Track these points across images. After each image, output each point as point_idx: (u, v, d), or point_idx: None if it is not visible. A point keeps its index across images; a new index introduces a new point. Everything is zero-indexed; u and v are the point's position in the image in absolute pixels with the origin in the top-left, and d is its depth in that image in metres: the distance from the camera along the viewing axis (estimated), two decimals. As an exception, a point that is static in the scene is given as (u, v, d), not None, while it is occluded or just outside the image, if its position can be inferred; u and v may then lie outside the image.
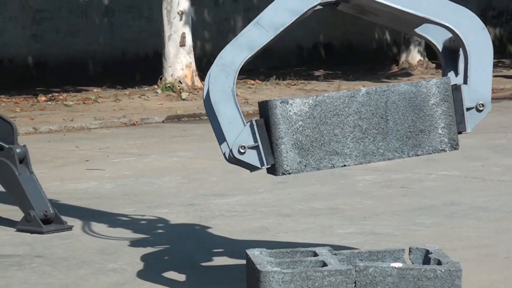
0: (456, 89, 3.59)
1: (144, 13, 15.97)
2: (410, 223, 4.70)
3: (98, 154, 7.89)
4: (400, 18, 4.03)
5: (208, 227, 4.73)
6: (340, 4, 3.87)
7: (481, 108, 3.59)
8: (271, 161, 3.65)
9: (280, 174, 3.63)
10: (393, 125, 3.65)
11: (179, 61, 12.64)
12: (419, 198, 5.39)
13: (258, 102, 3.91)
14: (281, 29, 3.71)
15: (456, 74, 4.03)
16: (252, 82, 13.81)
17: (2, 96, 12.41)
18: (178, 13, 12.49)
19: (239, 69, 3.70)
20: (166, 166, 7.03)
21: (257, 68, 14.95)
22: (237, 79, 3.77)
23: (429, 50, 16.74)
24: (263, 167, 3.67)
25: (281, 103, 3.67)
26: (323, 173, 5.63)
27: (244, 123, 3.67)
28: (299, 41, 17.35)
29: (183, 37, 12.56)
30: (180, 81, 12.56)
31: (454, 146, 3.62)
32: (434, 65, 16.65)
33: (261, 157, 3.66)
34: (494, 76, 14.61)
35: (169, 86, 12.47)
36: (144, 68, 15.09)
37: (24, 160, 4.82)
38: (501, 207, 5.05)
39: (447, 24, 3.65)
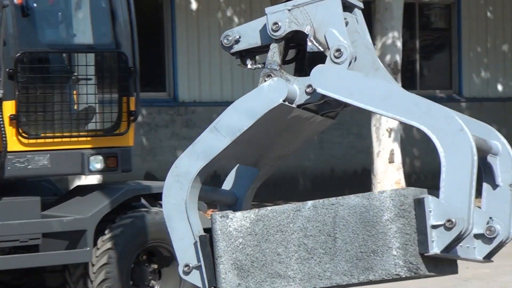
0: (419, 202, 3.09)
1: (353, 130, 16.40)
2: None
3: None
4: None
5: None
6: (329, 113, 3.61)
7: (449, 226, 3.04)
8: (212, 283, 3.34)
9: None
10: (341, 244, 3.19)
11: (388, 177, 12.77)
12: None
13: None
14: (238, 134, 3.38)
15: None
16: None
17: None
18: (387, 130, 12.71)
19: (195, 179, 3.41)
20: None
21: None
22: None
23: None
24: None
25: (221, 217, 3.36)
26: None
27: (194, 240, 3.41)
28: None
29: (391, 153, 12.73)
30: (389, 198, 12.65)
31: (413, 270, 3.10)
32: None
33: (204, 278, 3.35)
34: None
35: (378, 203, 12.61)
36: (352, 184, 15.46)
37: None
38: None
39: (418, 126, 3.22)
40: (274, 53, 3.53)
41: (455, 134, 3.14)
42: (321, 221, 3.22)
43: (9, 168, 6.06)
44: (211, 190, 3.85)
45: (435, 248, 3.07)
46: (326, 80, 3.34)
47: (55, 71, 6.69)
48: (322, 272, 3.20)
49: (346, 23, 3.51)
